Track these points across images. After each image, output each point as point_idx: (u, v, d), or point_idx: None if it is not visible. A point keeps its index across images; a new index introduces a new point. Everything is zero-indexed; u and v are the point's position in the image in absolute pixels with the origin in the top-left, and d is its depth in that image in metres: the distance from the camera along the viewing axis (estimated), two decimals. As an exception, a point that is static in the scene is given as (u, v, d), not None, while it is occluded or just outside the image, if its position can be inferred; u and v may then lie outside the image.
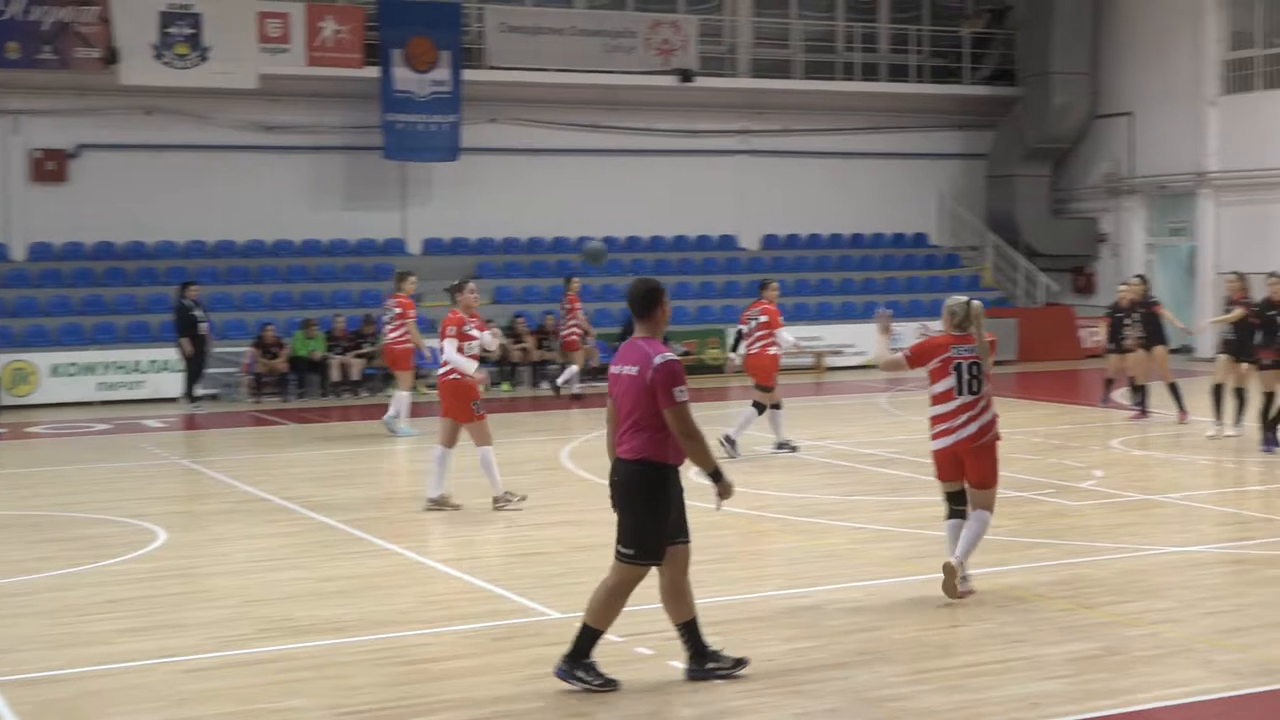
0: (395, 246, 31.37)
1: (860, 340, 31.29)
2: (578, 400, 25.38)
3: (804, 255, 34.60)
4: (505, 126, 32.00)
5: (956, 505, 10.70)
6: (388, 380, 25.44)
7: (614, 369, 8.55)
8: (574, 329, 26.14)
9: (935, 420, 10.55)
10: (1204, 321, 21.25)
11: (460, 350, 14.40)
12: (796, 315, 31.73)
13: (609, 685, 8.42)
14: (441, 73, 30.34)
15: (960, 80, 36.21)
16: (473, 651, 9.38)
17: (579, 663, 8.45)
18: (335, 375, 27.04)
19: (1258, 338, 17.93)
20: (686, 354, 29.06)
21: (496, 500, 14.51)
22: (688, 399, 8.29)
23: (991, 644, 9.32)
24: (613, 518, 8.57)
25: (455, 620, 10.22)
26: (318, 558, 12.42)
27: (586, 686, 8.40)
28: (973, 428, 10.44)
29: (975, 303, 10.74)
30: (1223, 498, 15.11)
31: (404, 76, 30.11)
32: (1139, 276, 22.47)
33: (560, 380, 26.08)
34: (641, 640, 9.35)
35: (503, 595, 10.88)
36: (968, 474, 10.52)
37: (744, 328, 18.64)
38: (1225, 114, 32.54)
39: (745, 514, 13.95)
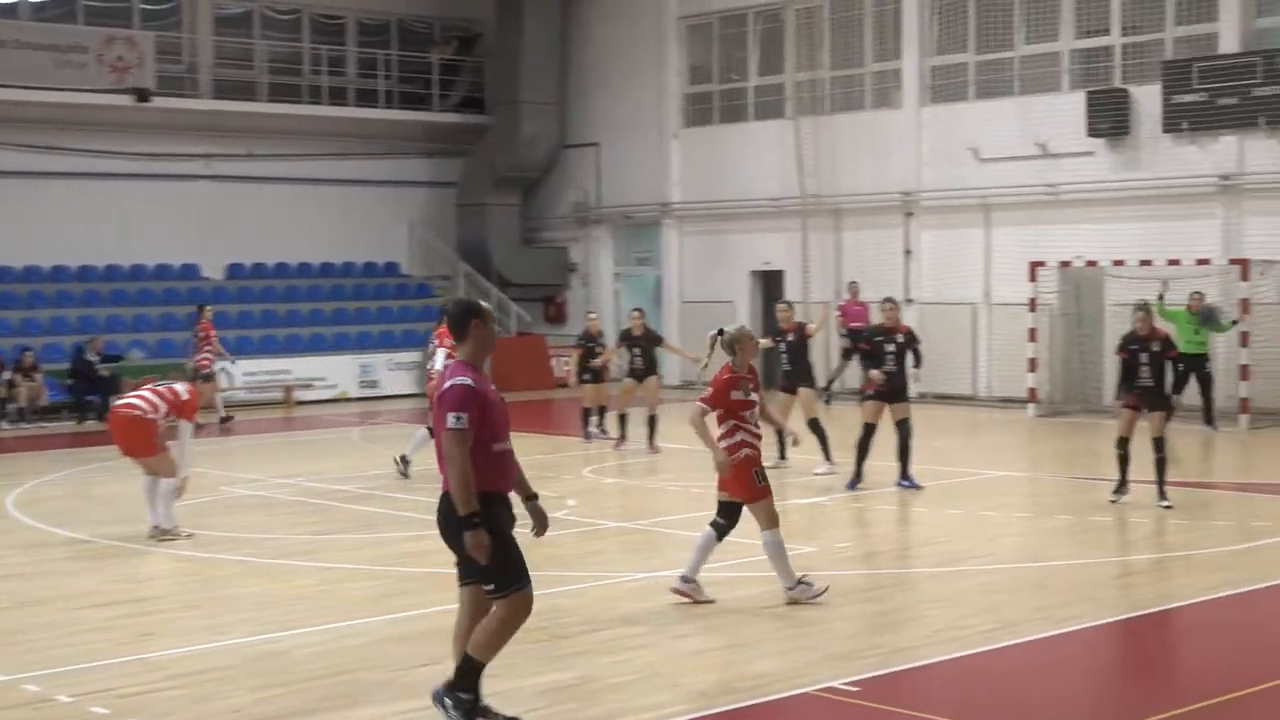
0: None
1: (331, 373, 31.09)
2: (226, 424, 25.96)
3: (272, 285, 34.08)
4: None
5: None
6: None
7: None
8: (207, 356, 26.03)
9: None
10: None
11: None
12: (264, 348, 31.26)
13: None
14: None
15: (430, 107, 36.59)
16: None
17: (476, 706, 8.18)
18: None
19: (842, 366, 18.37)
20: None
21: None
22: (464, 426, 7.89)
23: (466, 680, 9.39)
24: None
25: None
26: None
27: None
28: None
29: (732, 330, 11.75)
30: (692, 523, 15.80)
31: None
32: (638, 310, 23.04)
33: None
34: (98, 699, 8.95)
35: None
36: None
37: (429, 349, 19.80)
38: (686, 146, 34.22)
39: (209, 558, 13.60)
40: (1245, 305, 24.25)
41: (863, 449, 17.56)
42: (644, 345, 22.04)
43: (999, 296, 28.59)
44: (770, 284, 32.47)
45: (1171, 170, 26.48)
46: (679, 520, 15.61)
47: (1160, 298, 23.76)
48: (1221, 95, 25.59)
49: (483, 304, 8.34)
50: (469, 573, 8.19)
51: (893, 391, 17.47)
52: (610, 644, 10.29)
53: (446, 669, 9.61)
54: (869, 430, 17.52)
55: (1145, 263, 25.12)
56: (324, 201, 35.00)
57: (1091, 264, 26.44)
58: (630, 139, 35.10)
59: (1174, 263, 24.82)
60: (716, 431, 11.60)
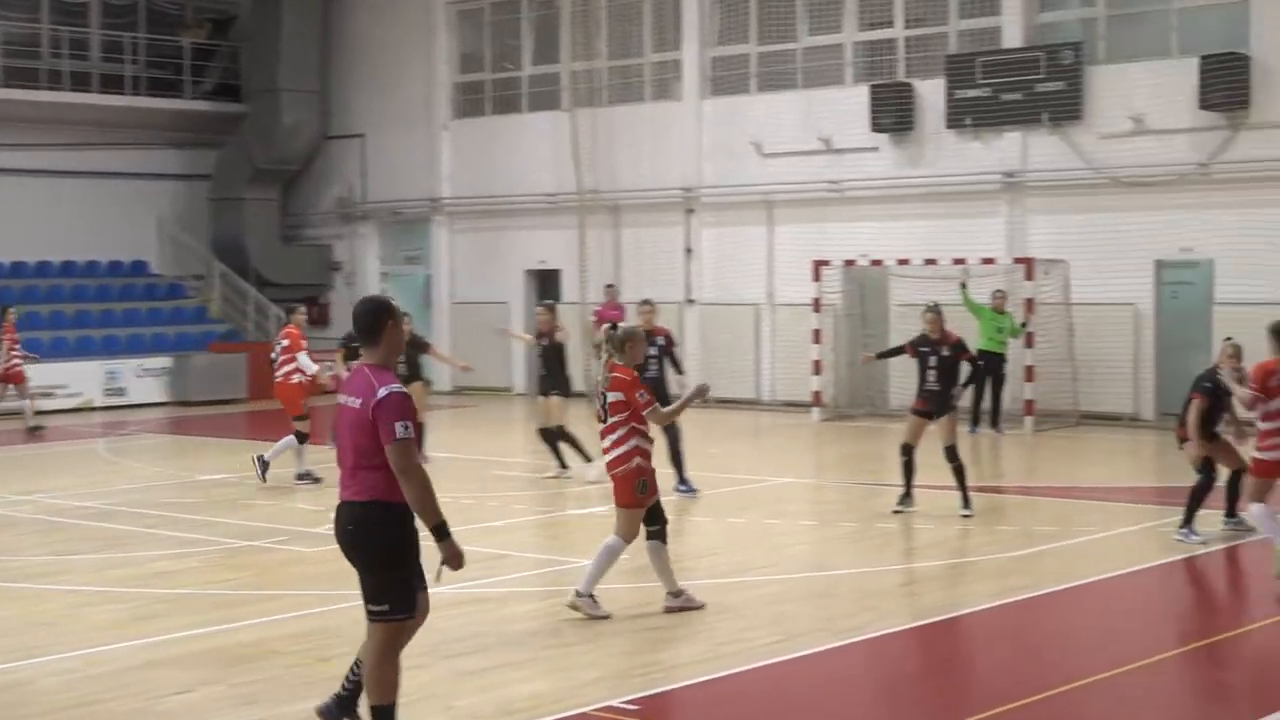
0: None
1: (74, 380, 30.34)
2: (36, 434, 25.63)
3: (8, 285, 33.07)
4: None
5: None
6: None
7: (339, 400, 8.08)
8: (16, 361, 26.37)
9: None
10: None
11: None
12: (-1, 353, 30.35)
13: None
14: None
15: (181, 94, 35.93)
16: None
17: None
18: None
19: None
20: None
21: None
22: (412, 435, 7.79)
23: (224, 708, 9.30)
24: None
25: None
26: None
27: None
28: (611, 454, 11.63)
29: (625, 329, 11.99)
30: (464, 536, 15.78)
31: None
32: (405, 314, 22.90)
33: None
34: None
35: None
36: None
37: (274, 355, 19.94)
38: (457, 138, 34.16)
39: (-59, 582, 13.22)
40: (1030, 305, 25.06)
41: None
42: (409, 351, 21.96)
43: (782, 297, 29.11)
44: (547, 284, 32.58)
45: (956, 167, 27.25)
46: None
47: (963, 286, 24.51)
48: (1005, 91, 26.41)
49: (393, 302, 8.26)
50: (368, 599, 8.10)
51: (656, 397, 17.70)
52: (378, 666, 10.23)
53: (204, 695, 9.50)
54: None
55: (930, 262, 25.80)
56: (65, 195, 34.12)
57: (876, 263, 27.07)
58: (398, 130, 34.90)
59: (959, 262, 25.54)
60: (606, 441, 11.68)
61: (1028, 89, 26.22)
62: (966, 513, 16.18)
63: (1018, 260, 25.65)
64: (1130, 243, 25.46)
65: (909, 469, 16.50)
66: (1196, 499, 14.68)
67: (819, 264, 27.18)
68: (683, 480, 17.78)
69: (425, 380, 22.15)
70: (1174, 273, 25.70)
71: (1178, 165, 25.10)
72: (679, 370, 18.37)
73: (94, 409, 30.47)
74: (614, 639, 10.99)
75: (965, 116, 26.89)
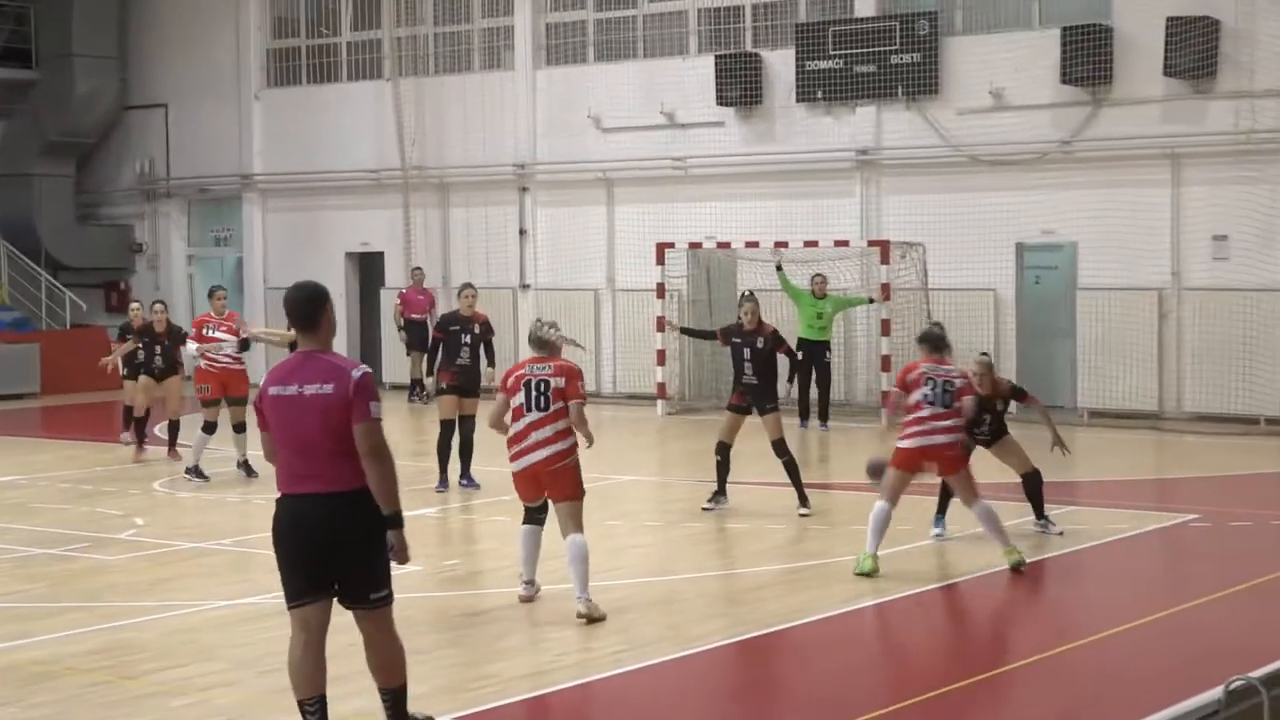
0: None
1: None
2: None
3: None
4: None
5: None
6: None
7: (283, 390, 8.29)
8: None
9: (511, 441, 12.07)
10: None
11: None
12: None
13: None
14: None
15: (-38, 59, 35.20)
16: None
17: None
18: None
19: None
20: None
21: None
22: (381, 416, 8.28)
23: (16, 732, 9.17)
24: None
25: None
26: None
27: None
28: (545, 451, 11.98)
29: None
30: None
31: None
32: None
33: None
34: None
35: None
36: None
37: None
38: (270, 109, 33.81)
39: None
40: (886, 290, 25.39)
41: (443, 450, 18.25)
42: (170, 341, 21.83)
43: (624, 282, 29.21)
44: (369, 267, 32.39)
45: (807, 144, 27.54)
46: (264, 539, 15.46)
47: (779, 268, 24.69)
48: (858, 62, 26.71)
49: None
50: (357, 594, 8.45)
51: (470, 386, 18.20)
52: (185, 683, 10.14)
53: (3, 714, 9.33)
54: (447, 428, 18.19)
55: (780, 244, 26.01)
56: None
57: (723, 245, 27.27)
58: (204, 100, 34.45)
59: (811, 244, 25.81)
60: (546, 431, 11.93)
61: (882, 61, 26.55)
62: (804, 511, 16.42)
63: (872, 243, 25.98)
64: (990, 224, 25.86)
65: (723, 468, 16.78)
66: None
67: (663, 246, 27.31)
68: (466, 474, 18.40)
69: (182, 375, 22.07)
70: (1036, 256, 26.23)
71: (1039, 143, 25.58)
72: (491, 362, 18.49)
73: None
74: (443, 651, 10.98)
75: (816, 90, 27.17)
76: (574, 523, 11.97)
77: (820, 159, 27.35)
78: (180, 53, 34.92)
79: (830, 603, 12.52)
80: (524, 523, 12.41)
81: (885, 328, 25.46)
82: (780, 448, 16.44)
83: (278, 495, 8.43)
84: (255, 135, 33.86)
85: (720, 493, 16.81)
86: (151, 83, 35.44)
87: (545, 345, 12.29)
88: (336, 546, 8.28)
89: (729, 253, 27.48)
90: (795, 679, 10.77)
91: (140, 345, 21.78)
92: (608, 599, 12.56)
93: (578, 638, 11.31)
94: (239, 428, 19.53)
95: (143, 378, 21.86)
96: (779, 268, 24.96)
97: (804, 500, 16.52)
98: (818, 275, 24.94)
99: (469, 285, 19.02)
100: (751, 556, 14.84)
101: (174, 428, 21.61)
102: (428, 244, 31.43)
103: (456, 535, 16.50)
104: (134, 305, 23.33)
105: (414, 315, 29.14)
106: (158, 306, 22.09)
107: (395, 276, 31.42)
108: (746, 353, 16.50)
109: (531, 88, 30.47)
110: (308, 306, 8.38)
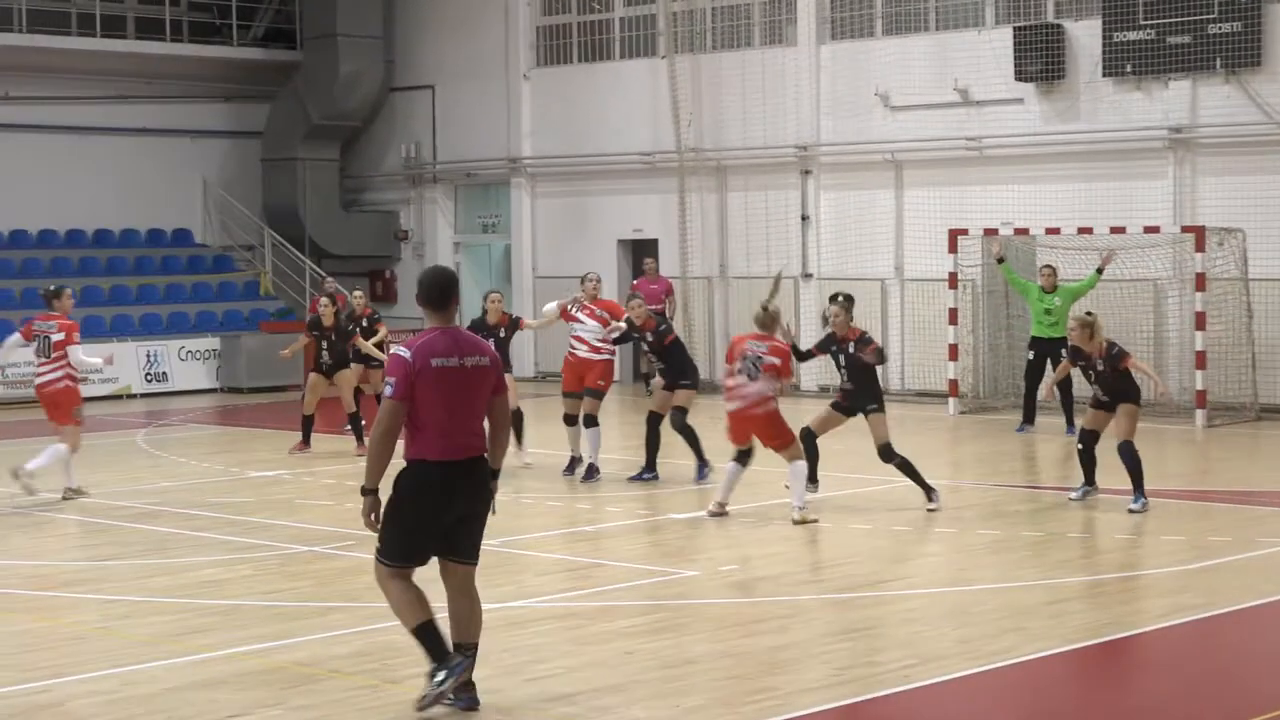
0: None
1: (110, 364, 30.62)
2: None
3: (34, 256, 33.55)
4: None
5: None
6: None
7: (445, 362, 9.43)
8: None
9: None
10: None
11: None
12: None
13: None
14: None
15: (227, 40, 36.21)
16: None
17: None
18: None
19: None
20: None
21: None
22: None
23: (281, 735, 9.40)
24: None
25: None
26: None
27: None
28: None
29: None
30: (547, 542, 15.85)
31: None
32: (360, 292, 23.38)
33: None
34: None
35: None
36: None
37: None
38: (540, 90, 34.17)
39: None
40: (1201, 281, 24.70)
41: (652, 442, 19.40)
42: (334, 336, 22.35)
43: (913, 270, 28.96)
44: (641, 255, 32.61)
45: (1113, 122, 27.00)
46: (535, 540, 15.59)
47: (1000, 260, 24.81)
48: (1172, 33, 26.08)
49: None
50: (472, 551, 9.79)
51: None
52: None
53: (265, 717, 9.60)
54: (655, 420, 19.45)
55: (1084, 230, 25.57)
56: (99, 155, 34.51)
57: (1021, 232, 26.86)
58: (472, 81, 34.98)
59: (1118, 230, 25.28)
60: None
61: (1198, 30, 25.88)
62: (932, 506, 16.92)
63: (1186, 229, 25.36)
64: (1318, 209, 25.15)
65: (812, 454, 17.38)
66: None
67: (955, 233, 27.02)
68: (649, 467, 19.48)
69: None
70: (1371, 243, 25.35)
71: (1374, 118, 24.77)
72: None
73: (132, 396, 30.83)
74: (723, 660, 10.99)
75: (1125, 63, 26.61)
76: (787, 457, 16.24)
77: (1129, 138, 26.80)
78: (447, 31, 35.52)
79: (1142, 619, 12.24)
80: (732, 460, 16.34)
81: (1200, 321, 24.81)
82: (886, 452, 16.99)
83: (416, 460, 9.45)
84: (524, 117, 34.30)
85: (812, 481, 17.34)
86: (418, 63, 36.11)
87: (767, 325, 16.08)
88: (476, 504, 9.65)
89: (1027, 240, 27.05)
90: (1102, 700, 10.54)
91: (313, 340, 22.26)
92: (895, 610, 12.47)
93: (862, 650, 11.23)
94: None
95: (312, 375, 22.34)
96: (1000, 260, 24.54)
97: (929, 493, 17.07)
98: (1046, 267, 24.41)
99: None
100: (1052, 567, 14.58)
101: (354, 420, 22.18)
102: (704, 231, 31.52)
103: (739, 539, 16.47)
104: (357, 293, 23.82)
105: (649, 306, 29.05)
106: (325, 301, 22.59)
107: (669, 265, 31.55)
108: (841, 359, 17.34)
109: (815, 64, 30.37)
110: (450, 288, 9.75)
